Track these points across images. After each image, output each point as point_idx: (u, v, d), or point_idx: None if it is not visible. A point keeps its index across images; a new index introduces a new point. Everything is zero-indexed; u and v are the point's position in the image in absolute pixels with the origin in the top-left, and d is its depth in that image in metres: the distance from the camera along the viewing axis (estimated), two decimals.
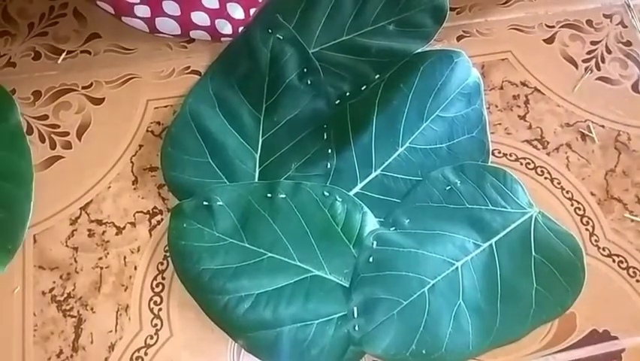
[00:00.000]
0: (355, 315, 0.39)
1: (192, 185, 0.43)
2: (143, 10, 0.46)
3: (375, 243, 0.41)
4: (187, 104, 0.46)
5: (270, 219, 0.41)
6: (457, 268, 0.41)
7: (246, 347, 0.40)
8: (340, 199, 0.42)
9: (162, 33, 0.49)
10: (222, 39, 0.49)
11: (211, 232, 0.41)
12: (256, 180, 0.44)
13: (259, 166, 0.44)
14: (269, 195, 0.42)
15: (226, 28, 0.48)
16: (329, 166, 0.44)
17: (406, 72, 0.47)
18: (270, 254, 0.40)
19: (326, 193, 0.42)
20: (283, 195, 0.42)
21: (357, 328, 0.39)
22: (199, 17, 0.47)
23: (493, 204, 0.43)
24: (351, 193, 0.43)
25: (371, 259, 0.40)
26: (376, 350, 0.39)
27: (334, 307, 0.40)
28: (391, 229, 0.42)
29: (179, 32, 0.49)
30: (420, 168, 0.44)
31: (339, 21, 0.49)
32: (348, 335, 0.39)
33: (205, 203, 0.41)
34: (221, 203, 0.41)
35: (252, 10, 0.49)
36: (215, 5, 0.47)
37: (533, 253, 0.41)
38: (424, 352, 0.39)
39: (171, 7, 0.46)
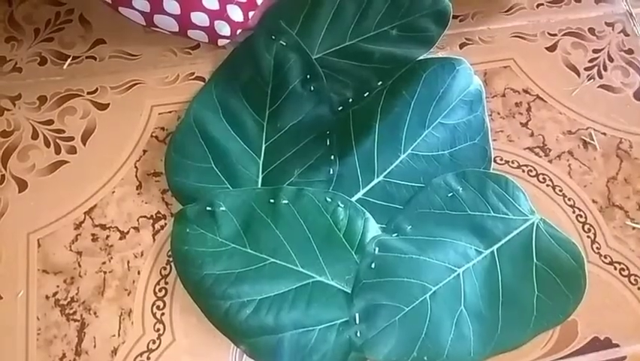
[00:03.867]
0: (357, 321, 0.39)
1: (195, 190, 0.43)
2: (142, 5, 0.46)
3: (377, 249, 0.41)
4: (191, 110, 0.46)
5: (272, 224, 0.41)
6: (458, 274, 0.41)
7: (247, 352, 0.40)
8: (342, 205, 0.42)
9: (159, 28, 0.49)
10: (220, 40, 0.49)
11: (214, 238, 0.41)
12: (259, 185, 0.44)
13: (262, 172, 0.45)
14: (271, 200, 0.42)
15: (224, 29, 0.48)
16: (331, 172, 0.45)
17: (409, 79, 0.47)
18: (272, 260, 0.41)
19: (328, 199, 0.42)
20: (286, 201, 0.42)
21: (358, 334, 0.39)
22: (199, 18, 0.47)
23: (494, 210, 0.43)
24: (354, 199, 0.43)
25: (373, 265, 0.41)
26: (378, 357, 0.39)
27: (336, 313, 0.40)
28: (393, 235, 0.42)
29: (177, 30, 0.48)
30: (422, 175, 0.45)
31: (341, 26, 0.49)
32: (349, 341, 0.39)
33: (208, 208, 0.42)
34: (224, 208, 0.42)
35: (251, 13, 0.49)
36: (215, 6, 0.47)
37: (535, 259, 0.41)
38: (425, 358, 0.39)
39: (171, 6, 0.46)
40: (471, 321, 0.40)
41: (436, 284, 0.40)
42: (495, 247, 0.42)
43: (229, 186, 0.44)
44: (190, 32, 0.49)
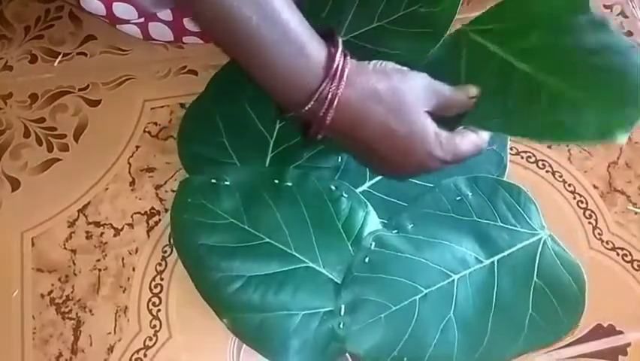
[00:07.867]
0: (342, 313, 0.39)
1: (204, 161, 0.44)
2: (138, 18, 0.46)
3: (373, 244, 0.40)
4: (215, 80, 0.46)
5: (273, 205, 0.41)
6: (453, 280, 0.40)
7: (230, 327, 0.39)
8: (346, 195, 0.41)
9: (156, 40, 0.48)
10: None
11: (213, 209, 0.41)
12: (266, 165, 0.44)
13: (272, 152, 0.44)
14: (276, 181, 0.42)
15: None
16: (340, 160, 0.44)
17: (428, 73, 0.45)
18: (267, 239, 0.40)
19: (333, 187, 0.41)
20: (290, 183, 0.41)
21: (342, 325, 0.39)
22: (192, 23, 0.47)
23: (502, 220, 0.41)
24: (359, 190, 0.43)
25: (367, 260, 0.40)
26: (359, 350, 0.39)
27: (322, 302, 0.39)
28: (394, 231, 0.42)
29: (172, 38, 0.48)
30: (432, 175, 0.43)
31: (370, 8, 0.47)
32: (332, 331, 0.39)
33: (213, 181, 0.41)
34: (228, 183, 0.41)
35: None
36: None
37: (535, 277, 0.40)
38: (405, 359, 0.38)
39: (164, 13, 0.46)
40: (458, 329, 0.39)
41: (427, 287, 0.39)
42: (496, 258, 0.41)
43: (237, 161, 0.44)
44: (185, 39, 0.48)
